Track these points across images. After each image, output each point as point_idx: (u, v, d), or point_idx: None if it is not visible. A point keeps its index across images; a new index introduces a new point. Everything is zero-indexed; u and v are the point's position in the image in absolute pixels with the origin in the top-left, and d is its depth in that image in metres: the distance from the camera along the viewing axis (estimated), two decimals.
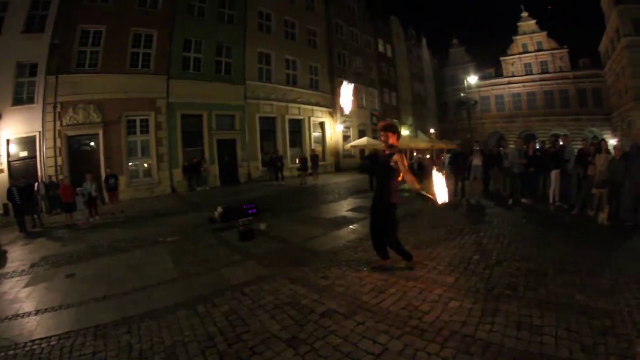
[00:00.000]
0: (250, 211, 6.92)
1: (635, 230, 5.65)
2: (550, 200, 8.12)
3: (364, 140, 23.42)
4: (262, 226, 6.35)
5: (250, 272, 4.19)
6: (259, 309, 3.09)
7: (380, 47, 30.52)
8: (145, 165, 13.85)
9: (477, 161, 9.44)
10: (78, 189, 10.19)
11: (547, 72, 36.30)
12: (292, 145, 20.88)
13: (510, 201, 8.54)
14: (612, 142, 14.61)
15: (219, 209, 7.26)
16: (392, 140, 3.67)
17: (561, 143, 8.80)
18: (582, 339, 2.39)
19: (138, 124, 13.43)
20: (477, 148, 9.80)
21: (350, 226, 6.58)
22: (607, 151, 7.18)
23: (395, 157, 3.56)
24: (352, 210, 8.26)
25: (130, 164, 13.22)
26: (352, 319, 2.83)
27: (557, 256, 4.32)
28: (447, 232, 5.76)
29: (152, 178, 13.80)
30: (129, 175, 12.96)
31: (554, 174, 8.11)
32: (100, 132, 12.07)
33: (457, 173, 9.89)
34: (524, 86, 37.66)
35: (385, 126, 3.77)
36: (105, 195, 11.05)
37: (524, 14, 37.36)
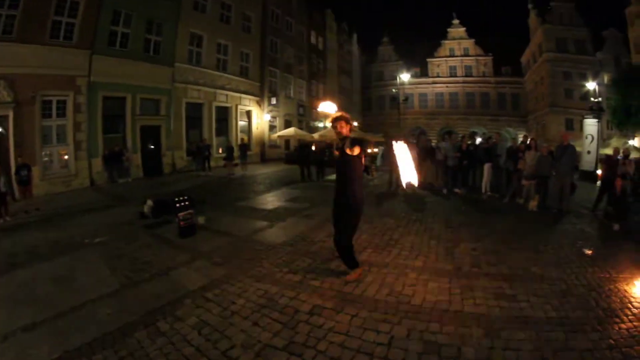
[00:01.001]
0: (182, 203, 6.34)
1: (560, 215, 7.42)
2: (483, 190, 9.74)
3: (291, 130, 24.90)
4: (201, 220, 6.14)
5: (205, 273, 3.94)
6: (235, 316, 2.90)
7: (313, 39, 32.10)
8: (62, 154, 12.91)
9: (411, 153, 11.01)
10: None
11: (471, 76, 43.60)
12: (219, 134, 21.28)
13: (445, 191, 10.01)
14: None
15: (149, 203, 6.84)
16: (345, 130, 3.67)
17: (494, 140, 10.52)
18: (551, 301, 3.22)
19: (54, 105, 12.42)
20: (413, 141, 11.21)
21: (295, 217, 6.89)
22: (536, 148, 8.67)
23: (355, 147, 3.58)
24: (290, 200, 8.77)
25: (44, 152, 12.22)
26: (344, 313, 2.91)
27: (504, 237, 5.49)
28: (396, 220, 6.53)
29: (69, 169, 12.99)
30: (43, 166, 12.00)
31: (487, 167, 9.72)
32: (11, 114, 10.86)
33: (390, 165, 10.89)
34: (447, 87, 44.42)
35: (338, 117, 3.72)
36: (17, 189, 10.31)
37: (455, 21, 43.72)
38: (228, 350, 2.40)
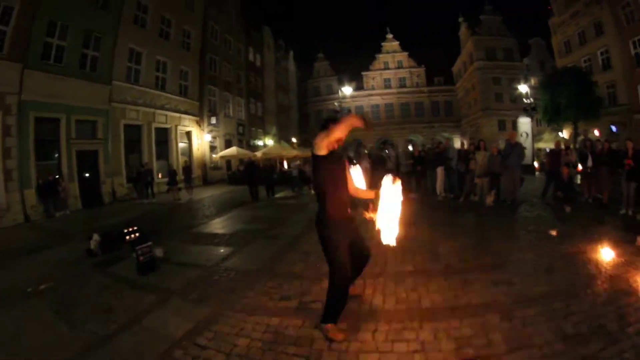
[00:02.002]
0: (133, 235, 6.12)
1: (515, 205, 8.73)
2: (438, 192, 10.79)
3: (233, 150, 25.10)
4: (159, 252, 5.73)
5: (186, 315, 3.50)
6: None
7: (251, 57, 32.88)
8: None
9: (364, 164, 10.84)
10: None
11: (405, 87, 48.53)
12: (159, 157, 20.66)
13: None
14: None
15: (96, 237, 6.41)
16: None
17: (444, 144, 11.46)
18: (540, 279, 3.89)
19: None
20: (365, 151, 12.18)
21: (260, 239, 6.93)
22: (485, 149, 9.92)
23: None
24: (248, 222, 8.91)
25: None
26: (364, 330, 2.96)
27: (475, 232, 6.29)
28: (362, 230, 7.34)
29: (0, 203, 11.63)
30: None
31: (439, 170, 10.74)
32: None
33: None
34: (382, 98, 48.82)
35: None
36: None
37: (389, 36, 48.12)
38: None
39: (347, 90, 27.56)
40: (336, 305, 2.92)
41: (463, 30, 43.29)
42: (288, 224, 8.45)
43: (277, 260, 5.23)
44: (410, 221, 7.14)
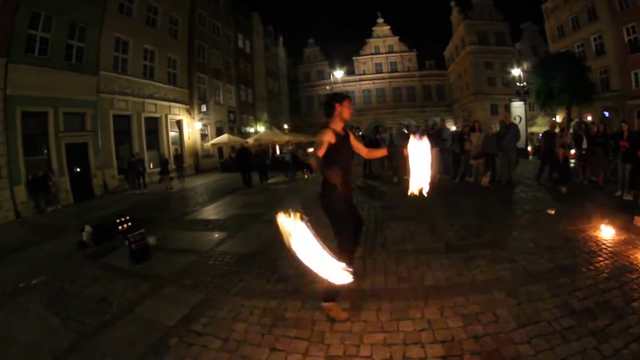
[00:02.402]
0: (125, 225, 6.09)
1: (510, 186, 8.80)
2: (433, 174, 11.45)
3: (224, 137, 24.91)
4: (152, 240, 5.66)
5: (180, 301, 3.42)
6: (245, 346, 2.52)
7: (240, 43, 32.28)
8: None
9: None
10: None
11: (396, 71, 48.06)
12: (150, 147, 20.39)
13: (396, 179, 10.83)
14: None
15: (87, 229, 6.35)
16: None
17: (439, 126, 11.53)
18: (543, 256, 3.91)
19: None
20: (359, 133, 12.28)
21: (255, 223, 6.87)
22: (481, 130, 9.89)
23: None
24: (243, 207, 8.85)
25: None
26: (367, 310, 2.89)
27: (473, 212, 6.28)
28: (367, 210, 7.06)
29: None
30: None
31: (434, 151, 11.30)
32: None
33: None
34: (374, 83, 48.38)
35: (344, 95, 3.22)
36: None
37: (380, 20, 47.37)
38: None
39: (338, 74, 27.27)
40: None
41: (455, 15, 42.88)
42: (282, 207, 8.37)
43: (272, 243, 4.92)
44: (405, 204, 7.07)
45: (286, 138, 28.16)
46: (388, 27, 48.10)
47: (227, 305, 3.25)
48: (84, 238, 6.33)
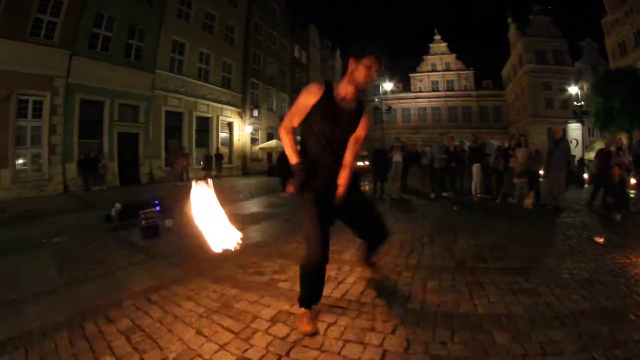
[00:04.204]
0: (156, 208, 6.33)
1: (557, 211, 7.41)
2: (473, 192, 9.62)
3: (272, 142, 25.36)
4: (169, 223, 5.96)
5: (157, 273, 3.70)
6: (176, 322, 2.56)
7: (296, 53, 33.31)
8: (36, 157, 12.86)
9: (397, 157, 10.51)
10: None
11: (453, 90, 46.35)
12: (199, 144, 21.44)
13: (433, 195, 9.91)
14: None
15: (117, 206, 6.88)
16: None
17: (482, 139, 10.34)
18: (577, 291, 2.93)
19: (31, 105, 12.46)
20: (397, 145, 11.21)
21: (272, 221, 6.81)
22: (527, 145, 8.68)
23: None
24: (269, 206, 8.82)
25: (17, 154, 12.16)
26: (319, 320, 2.47)
27: (504, 232, 5.45)
28: (389, 220, 6.59)
29: (42, 173, 12.89)
30: (14, 169, 11.92)
31: (476, 167, 9.66)
32: None
33: (376, 171, 10.86)
34: (429, 101, 46.98)
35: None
36: None
37: (437, 37, 46.24)
38: None
39: (388, 86, 26.93)
40: (303, 287, 2.40)
41: (512, 32, 40.41)
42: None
43: (275, 239, 5.10)
44: (433, 219, 6.58)
45: None
46: (445, 44, 46.56)
47: (192, 284, 3.33)
48: (112, 213, 6.96)
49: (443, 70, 46.50)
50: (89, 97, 14.60)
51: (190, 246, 4.61)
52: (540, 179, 9.10)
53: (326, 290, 2.78)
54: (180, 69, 19.76)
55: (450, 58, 46.34)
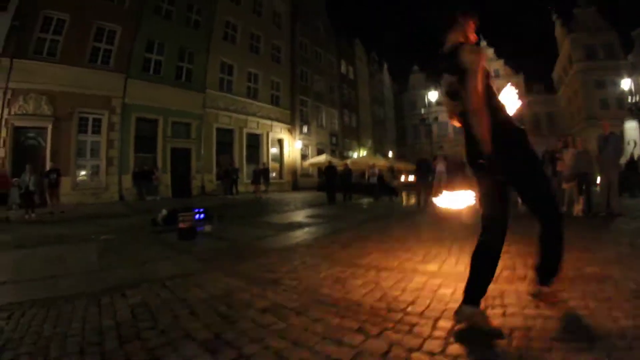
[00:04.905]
0: (198, 216, 6.80)
1: (609, 218, 6.63)
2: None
3: (322, 157, 25.26)
4: (208, 228, 6.39)
5: (182, 266, 4.05)
6: (178, 303, 2.79)
7: (343, 69, 33.59)
8: (95, 169, 14.19)
9: (440, 167, 10.59)
10: (15, 179, 10.64)
11: None
12: (249, 160, 22.13)
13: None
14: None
15: (163, 212, 7.32)
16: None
17: None
18: (620, 305, 2.34)
19: (90, 122, 13.88)
20: (440, 153, 10.95)
21: (306, 228, 6.88)
22: (574, 145, 7.93)
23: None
24: (309, 217, 8.83)
25: (78, 165, 13.49)
26: (306, 316, 2.42)
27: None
28: (413, 230, 6.55)
29: (100, 182, 14.12)
30: (75, 178, 13.21)
31: None
32: (50, 127, 12.37)
33: (421, 181, 10.70)
34: None
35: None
36: (46, 192, 11.20)
37: (483, 43, 43.70)
38: (144, 330, 2.27)
39: (432, 96, 25.97)
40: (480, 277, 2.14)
41: (558, 29, 37.06)
42: (341, 220, 8.16)
43: (301, 245, 5.13)
44: (468, 228, 5.90)
45: (382, 162, 27.62)
46: (492, 49, 43.82)
47: (207, 275, 3.61)
48: (158, 218, 7.46)
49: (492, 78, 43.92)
50: (144, 115, 15.87)
51: (220, 247, 5.18)
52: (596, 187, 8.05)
53: (327, 290, 2.97)
54: (229, 88, 20.85)
55: (498, 64, 43.34)
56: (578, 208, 7.17)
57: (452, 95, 2.22)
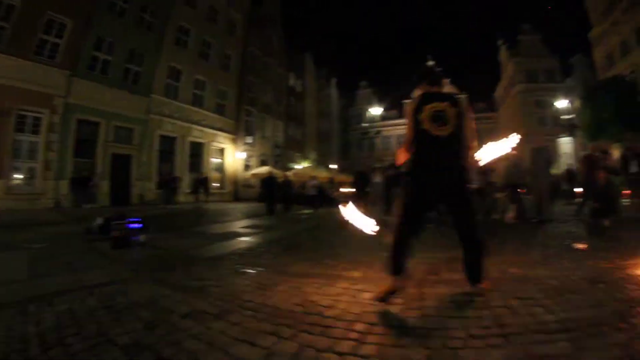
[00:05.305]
0: (134, 225, 6.75)
1: (541, 224, 7.35)
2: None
3: (265, 169, 26.08)
4: (142, 238, 6.41)
5: (111, 274, 4.15)
6: (103, 310, 2.93)
7: (292, 81, 35.29)
8: (31, 172, 13.75)
9: (378, 179, 11.03)
10: None
11: None
12: (191, 169, 22.44)
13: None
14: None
15: (99, 220, 7.26)
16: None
17: None
18: (540, 302, 2.63)
19: (29, 121, 13.49)
20: (378, 166, 11.59)
21: (241, 238, 7.16)
22: (507, 158, 8.45)
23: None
24: (245, 227, 9.15)
25: (13, 167, 13.05)
26: (225, 320, 2.63)
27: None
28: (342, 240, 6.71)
29: (36, 187, 13.71)
30: (9, 181, 12.77)
31: None
32: None
33: (358, 192, 11.36)
34: None
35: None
36: None
37: (430, 63, 48.10)
38: (67, 337, 2.40)
39: (375, 111, 28.32)
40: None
41: (503, 53, 43.58)
42: (277, 230, 8.77)
43: (233, 254, 5.40)
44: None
45: (324, 174, 29.19)
46: (440, 69, 49.19)
47: (135, 283, 3.77)
48: (93, 226, 7.39)
49: None
50: (86, 117, 15.73)
51: (152, 257, 5.32)
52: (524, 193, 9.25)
53: (249, 295, 3.18)
54: (175, 94, 21.14)
55: (445, 83, 48.73)
56: (510, 216, 8.14)
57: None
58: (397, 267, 2.75)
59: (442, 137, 2.76)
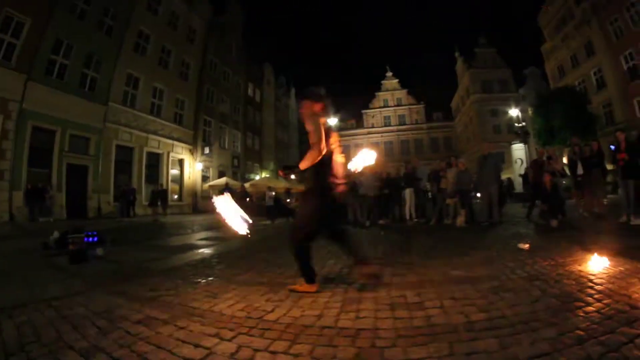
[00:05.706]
0: (91, 239, 6.86)
1: (492, 227, 7.78)
2: (407, 217, 10.41)
3: (222, 180, 26.44)
4: (100, 251, 6.56)
5: (69, 288, 4.31)
6: (62, 320, 3.11)
7: (250, 91, 36.10)
8: None
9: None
10: None
11: (405, 124, 52.52)
12: (149, 181, 22.41)
13: (368, 223, 10.46)
14: None
15: (55, 234, 7.35)
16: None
17: (412, 164, 11.47)
18: (475, 302, 2.81)
19: None
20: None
21: (197, 250, 7.36)
22: (457, 166, 9.46)
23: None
24: (202, 240, 9.40)
25: None
26: (173, 325, 2.87)
27: (421, 251, 5.52)
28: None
29: None
30: None
31: (408, 192, 10.51)
32: None
33: None
34: (382, 136, 52.63)
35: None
36: None
37: (389, 74, 51.98)
38: (28, 344, 2.59)
39: (332, 121, 29.55)
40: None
41: (460, 65, 47.59)
42: (232, 242, 8.76)
43: (188, 265, 5.67)
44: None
45: (281, 184, 29.88)
46: (396, 80, 53.10)
47: (92, 295, 3.94)
48: (49, 241, 7.45)
49: (395, 106, 52.92)
50: (42, 124, 15.56)
51: (109, 270, 5.51)
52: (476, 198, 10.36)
53: (198, 303, 3.40)
54: (133, 103, 21.24)
55: (402, 93, 52.84)
56: (461, 219, 8.74)
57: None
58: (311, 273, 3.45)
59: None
